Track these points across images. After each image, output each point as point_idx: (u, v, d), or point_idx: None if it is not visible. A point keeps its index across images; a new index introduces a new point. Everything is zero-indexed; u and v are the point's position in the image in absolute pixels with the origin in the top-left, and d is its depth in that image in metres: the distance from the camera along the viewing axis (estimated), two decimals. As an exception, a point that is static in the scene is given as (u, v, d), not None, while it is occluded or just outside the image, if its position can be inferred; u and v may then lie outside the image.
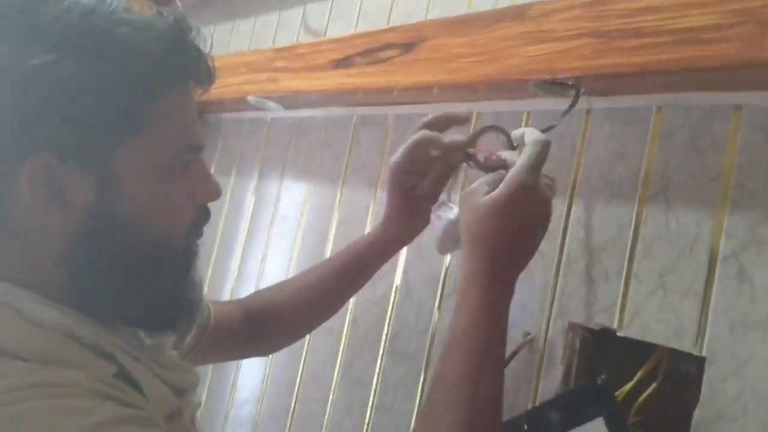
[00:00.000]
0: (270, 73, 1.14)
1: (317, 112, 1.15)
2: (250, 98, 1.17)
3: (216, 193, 0.62)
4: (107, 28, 0.52)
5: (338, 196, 1.06)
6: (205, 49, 0.58)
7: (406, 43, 0.91)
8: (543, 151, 0.60)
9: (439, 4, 0.98)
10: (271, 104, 1.19)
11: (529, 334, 0.75)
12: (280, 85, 1.11)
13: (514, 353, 0.74)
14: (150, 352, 0.59)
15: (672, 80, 0.67)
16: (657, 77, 0.66)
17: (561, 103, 0.76)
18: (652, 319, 0.66)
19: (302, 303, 0.84)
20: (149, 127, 0.54)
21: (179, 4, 1.53)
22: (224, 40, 1.45)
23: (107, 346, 0.53)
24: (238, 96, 1.19)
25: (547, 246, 0.76)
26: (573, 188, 0.76)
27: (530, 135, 0.62)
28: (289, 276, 1.09)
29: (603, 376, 0.65)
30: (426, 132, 0.73)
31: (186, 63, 0.56)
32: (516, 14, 0.78)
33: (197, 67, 0.57)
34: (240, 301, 0.87)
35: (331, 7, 1.18)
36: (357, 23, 1.12)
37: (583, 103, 0.77)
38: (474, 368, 0.57)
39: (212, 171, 1.33)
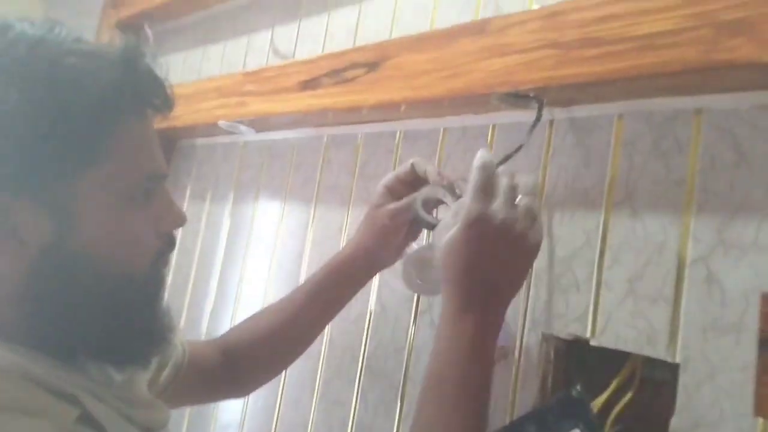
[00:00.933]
0: (240, 97, 1.13)
1: (289, 134, 1.14)
2: (222, 123, 1.16)
3: (180, 221, 0.61)
4: (55, 59, 0.51)
5: (311, 216, 1.05)
6: (162, 75, 0.58)
7: (370, 62, 0.91)
8: (483, 174, 0.60)
9: (403, 23, 0.98)
10: (243, 128, 1.19)
11: (503, 346, 0.74)
12: (249, 109, 1.10)
13: (490, 368, 0.73)
14: (119, 390, 0.58)
15: (633, 87, 0.67)
16: (618, 85, 0.67)
17: (525, 116, 0.76)
18: (623, 327, 0.66)
19: (277, 336, 0.81)
20: (106, 157, 0.53)
21: (149, 32, 1.54)
22: (195, 67, 1.44)
23: (68, 386, 0.51)
24: (210, 121, 1.18)
25: (518, 258, 0.75)
26: (540, 199, 0.76)
27: (475, 161, 0.61)
28: (265, 301, 1.08)
29: (578, 387, 0.64)
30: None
31: (140, 90, 0.55)
32: (476, 29, 0.79)
33: (153, 94, 0.57)
34: (215, 340, 0.85)
35: (298, 29, 1.19)
36: (324, 44, 1.12)
37: (545, 114, 0.77)
38: (451, 410, 0.56)
39: (187, 197, 1.32)
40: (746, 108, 0.62)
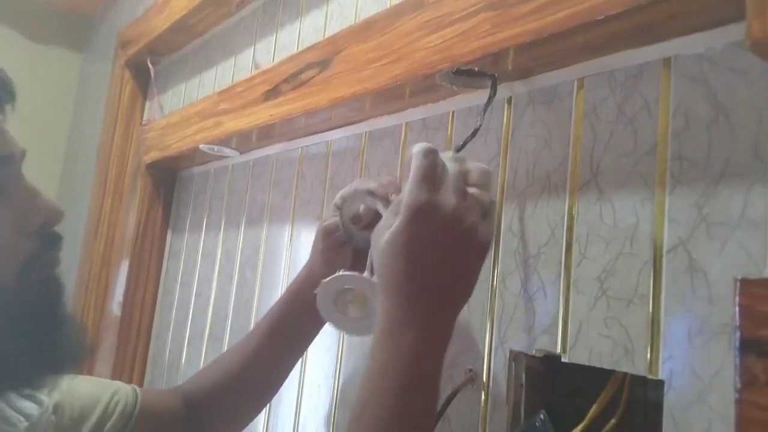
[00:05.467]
0: (216, 117, 1.08)
1: (268, 151, 1.07)
2: (203, 147, 1.11)
3: (50, 215, 0.53)
4: None
5: (289, 234, 0.97)
6: None
7: (322, 59, 0.83)
8: (426, 159, 0.49)
9: (364, 10, 0.89)
10: (228, 151, 1.13)
11: (470, 369, 0.63)
12: (223, 128, 1.05)
13: (453, 395, 0.62)
14: None
15: (583, 41, 0.55)
16: (564, 40, 0.55)
17: (484, 97, 0.65)
18: (597, 337, 0.53)
19: (239, 381, 0.72)
20: None
21: (150, 67, 1.53)
22: (194, 95, 1.41)
23: None
24: (192, 146, 1.14)
25: (481, 262, 0.64)
26: (501, 191, 0.64)
27: (414, 149, 0.51)
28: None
29: (541, 416, 0.52)
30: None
31: None
32: (416, 3, 0.69)
33: None
34: (176, 388, 0.77)
35: (275, 39, 1.12)
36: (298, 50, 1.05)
37: (503, 91, 0.66)
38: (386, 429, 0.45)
39: (187, 227, 1.27)
40: (719, 48, 0.49)
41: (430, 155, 0.50)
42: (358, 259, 0.65)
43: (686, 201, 0.49)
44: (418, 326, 0.48)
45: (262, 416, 0.93)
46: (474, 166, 0.53)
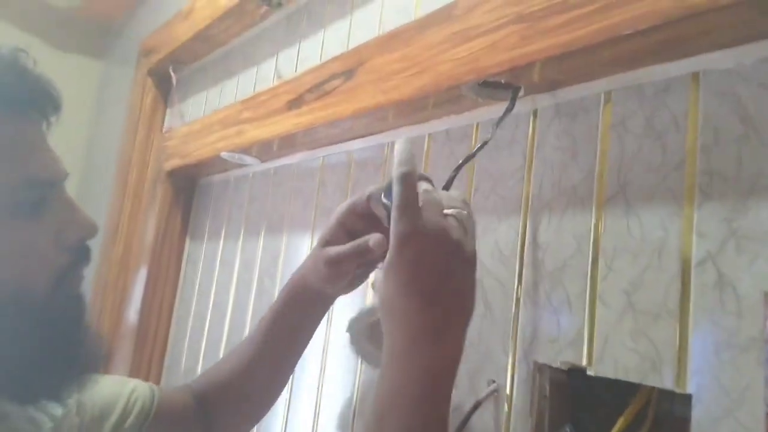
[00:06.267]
0: (238, 126, 1.09)
1: (290, 160, 1.08)
2: (224, 154, 1.12)
3: (87, 230, 0.55)
4: None
5: (309, 244, 0.97)
6: (45, 78, 0.54)
7: (347, 69, 0.84)
8: (403, 186, 0.48)
9: (389, 22, 0.90)
10: (248, 159, 1.14)
11: (493, 381, 0.62)
12: (246, 137, 1.06)
13: (475, 407, 0.62)
14: None
15: (611, 55, 0.55)
16: (592, 54, 0.55)
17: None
18: (624, 350, 0.53)
19: (246, 376, 0.72)
20: None
21: (173, 75, 1.55)
22: (215, 104, 1.42)
23: None
24: (213, 154, 1.15)
25: (505, 272, 0.64)
26: (526, 203, 0.64)
27: (396, 154, 0.50)
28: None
29: (567, 430, 0.51)
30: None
31: (16, 89, 0.51)
32: (444, 16, 0.70)
33: (33, 93, 0.52)
34: (187, 386, 0.78)
35: (298, 50, 1.13)
36: (321, 60, 1.06)
37: (528, 104, 0.66)
38: None
39: (206, 235, 1.28)
40: (750, 63, 0.49)
41: (407, 179, 0.49)
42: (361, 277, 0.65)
43: (715, 215, 0.49)
44: (425, 345, 0.47)
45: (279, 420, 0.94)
46: (451, 192, 0.53)
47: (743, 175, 0.48)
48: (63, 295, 0.53)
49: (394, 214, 0.48)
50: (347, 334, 0.60)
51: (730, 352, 0.46)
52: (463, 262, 0.49)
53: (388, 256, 0.49)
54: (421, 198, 0.49)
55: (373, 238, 0.57)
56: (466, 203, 0.52)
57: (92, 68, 2.29)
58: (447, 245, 0.48)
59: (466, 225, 0.50)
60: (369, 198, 0.60)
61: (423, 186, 0.52)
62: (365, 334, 0.59)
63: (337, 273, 0.62)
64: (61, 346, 0.53)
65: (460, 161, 0.62)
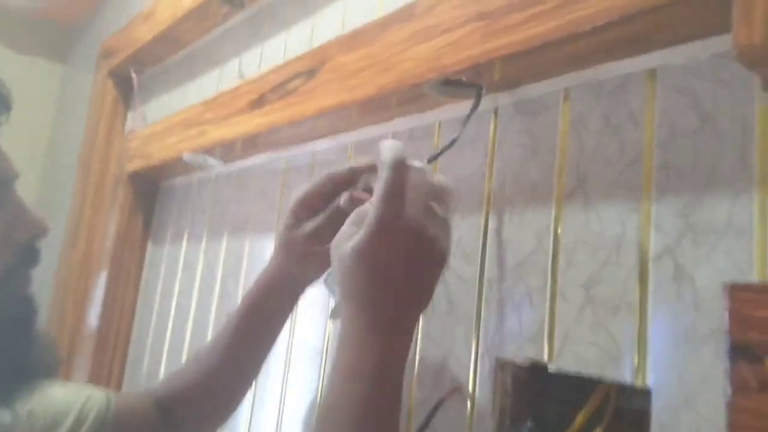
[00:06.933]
0: (200, 126, 1.07)
1: (253, 161, 1.07)
2: (185, 156, 1.10)
3: (37, 229, 0.53)
4: None
5: (273, 246, 0.96)
6: None
7: (310, 68, 0.83)
8: (396, 175, 0.48)
9: (352, 22, 0.90)
10: (211, 160, 1.12)
11: (456, 379, 0.62)
12: (208, 138, 1.04)
13: (438, 405, 0.61)
14: None
15: (570, 52, 0.56)
16: (552, 51, 0.56)
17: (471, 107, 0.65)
18: (584, 345, 0.53)
19: (211, 379, 0.71)
20: None
21: (134, 77, 1.52)
22: (177, 106, 1.40)
23: None
24: (175, 156, 1.13)
25: (468, 269, 0.64)
26: (488, 201, 0.64)
27: (384, 152, 0.50)
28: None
29: (529, 424, 0.51)
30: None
31: None
32: (405, 14, 0.69)
33: None
34: (149, 391, 0.76)
35: (261, 51, 1.12)
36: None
37: (489, 102, 0.66)
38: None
39: (167, 240, 1.26)
40: (704, 59, 0.50)
41: (399, 169, 0.49)
42: None
43: (672, 209, 0.49)
44: (382, 335, 0.48)
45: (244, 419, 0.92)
46: (438, 180, 0.53)
47: (699, 169, 0.48)
48: (10, 295, 0.51)
49: (378, 197, 0.48)
50: (324, 280, 0.60)
51: (688, 345, 0.47)
52: (433, 261, 0.49)
53: (360, 235, 0.48)
54: (410, 176, 0.49)
55: (342, 197, 0.60)
56: (451, 193, 0.52)
57: (54, 71, 2.23)
58: (423, 241, 0.48)
59: (444, 223, 0.50)
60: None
61: (416, 163, 0.51)
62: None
63: (315, 249, 0.62)
64: (8, 350, 0.52)
65: (431, 155, 0.62)
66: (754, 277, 0.44)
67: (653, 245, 0.50)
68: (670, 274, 0.49)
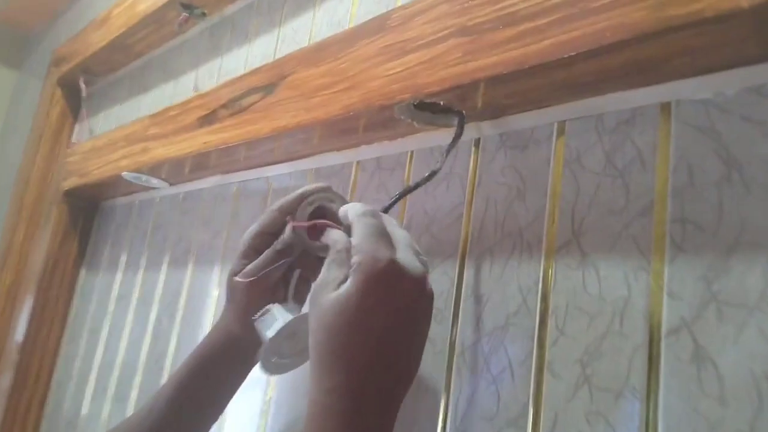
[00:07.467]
0: (144, 142, 0.96)
1: (202, 184, 0.96)
2: (125, 174, 0.98)
3: None
4: None
5: (217, 279, 0.85)
6: None
7: (267, 84, 0.73)
8: (375, 218, 0.43)
9: (321, 36, 0.80)
10: (155, 181, 1.01)
11: (417, 462, 0.51)
12: (151, 155, 0.93)
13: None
14: None
15: (567, 77, 0.47)
16: (545, 74, 0.47)
17: (449, 136, 0.56)
18: (576, 435, 0.43)
19: None
20: None
21: (83, 86, 1.40)
22: (127, 119, 1.29)
23: None
24: (115, 173, 1.01)
25: (436, 329, 0.54)
26: (464, 246, 0.55)
27: (353, 210, 0.44)
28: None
29: None
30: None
31: None
32: (376, 26, 0.60)
33: None
34: None
35: (221, 64, 1.02)
36: (243, 77, 0.95)
37: (471, 131, 0.57)
38: None
39: (102, 266, 1.13)
40: (733, 93, 0.41)
41: (378, 216, 0.44)
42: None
43: (691, 273, 0.40)
44: (370, 416, 0.39)
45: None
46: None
47: (725, 225, 0.39)
48: None
49: (363, 238, 0.41)
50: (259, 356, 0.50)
51: (709, 447, 0.37)
52: (428, 318, 0.42)
53: (351, 280, 0.40)
54: (395, 226, 0.44)
55: (286, 230, 0.52)
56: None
57: (7, 77, 2.10)
58: (426, 295, 0.41)
59: (426, 267, 0.43)
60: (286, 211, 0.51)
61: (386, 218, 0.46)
62: (276, 352, 0.50)
63: (257, 296, 0.52)
64: None
65: (399, 191, 0.53)
66: (797, 366, 0.34)
67: (666, 316, 0.41)
68: (687, 354, 0.39)
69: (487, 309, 0.51)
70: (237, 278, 0.53)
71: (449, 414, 0.51)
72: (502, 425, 0.47)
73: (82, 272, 1.22)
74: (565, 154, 0.49)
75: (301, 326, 0.49)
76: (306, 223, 0.50)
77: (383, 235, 0.42)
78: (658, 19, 0.38)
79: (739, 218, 0.39)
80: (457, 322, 0.53)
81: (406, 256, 0.41)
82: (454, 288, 0.54)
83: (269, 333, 0.49)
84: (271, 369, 0.50)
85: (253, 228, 0.54)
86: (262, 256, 0.52)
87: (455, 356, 0.52)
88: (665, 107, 0.45)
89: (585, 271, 0.45)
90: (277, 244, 0.52)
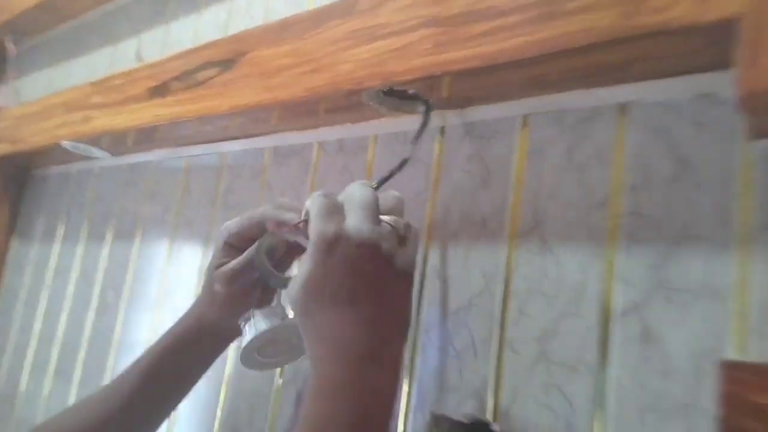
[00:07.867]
0: (86, 111, 0.92)
1: (148, 157, 0.94)
2: (65, 143, 0.95)
3: None
4: None
5: (166, 255, 0.84)
6: None
7: (225, 59, 0.72)
8: (326, 198, 0.45)
9: (275, 11, 0.80)
10: (96, 151, 0.98)
11: (381, 433, 0.54)
12: (94, 125, 0.90)
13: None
14: None
15: (534, 74, 0.50)
16: (514, 71, 0.49)
17: (412, 123, 0.58)
18: (535, 405, 0.47)
19: (105, 429, 0.59)
20: None
21: (11, 46, 1.32)
22: (60, 84, 1.23)
23: None
24: (52, 142, 0.97)
25: (400, 309, 0.56)
26: (428, 231, 0.57)
27: (310, 198, 0.47)
28: (115, 367, 0.85)
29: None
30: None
31: None
32: (344, 8, 0.61)
33: None
34: None
35: (166, 33, 0.99)
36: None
37: (436, 119, 0.59)
38: None
39: (36, 237, 1.09)
40: (688, 98, 0.45)
41: (329, 195, 0.46)
42: (267, 297, 0.56)
43: (642, 261, 0.44)
44: (355, 372, 0.41)
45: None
46: (385, 194, 0.49)
47: (673, 219, 0.44)
48: None
49: (313, 221, 0.44)
50: (240, 356, 0.52)
51: (654, 416, 0.41)
52: (391, 275, 0.43)
53: (306, 263, 0.43)
54: (356, 190, 0.46)
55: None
56: (402, 210, 0.49)
57: None
58: (374, 253, 0.43)
59: (405, 235, 0.45)
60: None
61: (360, 181, 0.48)
62: (255, 352, 0.52)
63: (237, 292, 0.53)
64: None
65: (377, 180, 0.54)
66: (730, 347, 0.39)
67: (618, 300, 0.45)
68: (636, 334, 0.43)
69: (451, 291, 0.54)
70: (218, 282, 0.53)
71: (413, 386, 0.54)
72: (465, 397, 0.50)
73: (14, 242, 1.17)
74: (529, 146, 0.52)
75: (282, 333, 0.51)
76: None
77: (331, 211, 0.44)
78: (628, 26, 0.41)
79: (686, 214, 0.43)
80: (422, 303, 0.55)
81: (353, 224, 0.43)
82: (419, 271, 0.56)
83: (247, 338, 0.50)
84: (251, 366, 0.52)
85: (236, 221, 0.54)
86: (242, 258, 0.52)
87: (420, 334, 0.55)
88: (623, 108, 0.48)
89: (545, 258, 0.49)
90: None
